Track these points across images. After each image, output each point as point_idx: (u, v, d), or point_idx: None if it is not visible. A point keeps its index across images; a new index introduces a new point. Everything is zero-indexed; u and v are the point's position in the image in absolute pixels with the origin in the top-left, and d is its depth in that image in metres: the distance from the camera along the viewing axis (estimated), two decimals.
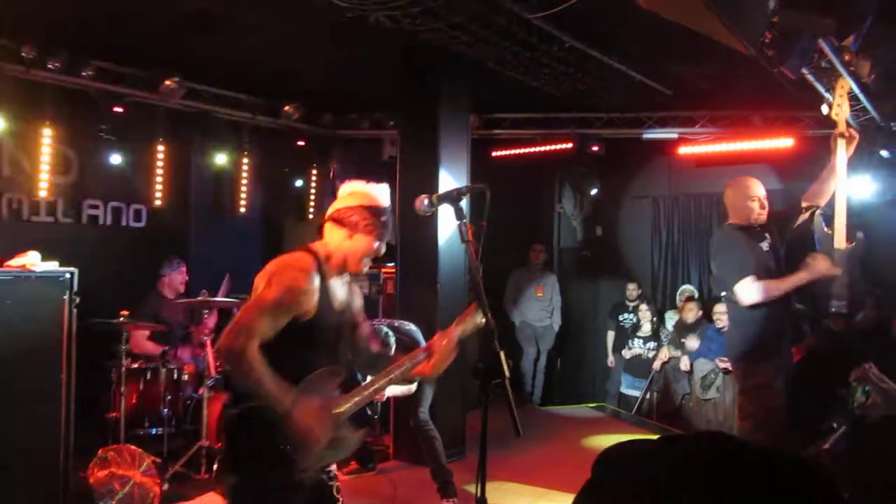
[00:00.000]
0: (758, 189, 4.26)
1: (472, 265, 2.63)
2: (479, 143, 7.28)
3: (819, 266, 4.02)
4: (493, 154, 8.29)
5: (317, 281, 2.61)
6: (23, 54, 5.66)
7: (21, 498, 4.28)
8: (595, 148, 7.82)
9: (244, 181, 7.71)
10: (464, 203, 2.67)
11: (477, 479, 2.42)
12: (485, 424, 2.46)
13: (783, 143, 7.18)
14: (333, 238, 2.71)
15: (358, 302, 2.95)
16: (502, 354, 2.41)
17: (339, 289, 2.78)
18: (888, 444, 4.77)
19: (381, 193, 2.78)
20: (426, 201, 2.60)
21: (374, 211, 2.71)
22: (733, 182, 4.40)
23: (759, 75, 5.98)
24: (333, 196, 2.90)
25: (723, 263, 4.25)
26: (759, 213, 4.20)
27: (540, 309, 8.42)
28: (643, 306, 8.22)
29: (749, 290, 3.97)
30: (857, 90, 5.87)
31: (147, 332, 5.97)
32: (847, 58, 5.39)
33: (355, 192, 2.78)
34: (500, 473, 5.36)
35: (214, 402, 5.39)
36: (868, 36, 4.77)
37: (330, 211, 2.76)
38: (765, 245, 4.18)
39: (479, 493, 2.43)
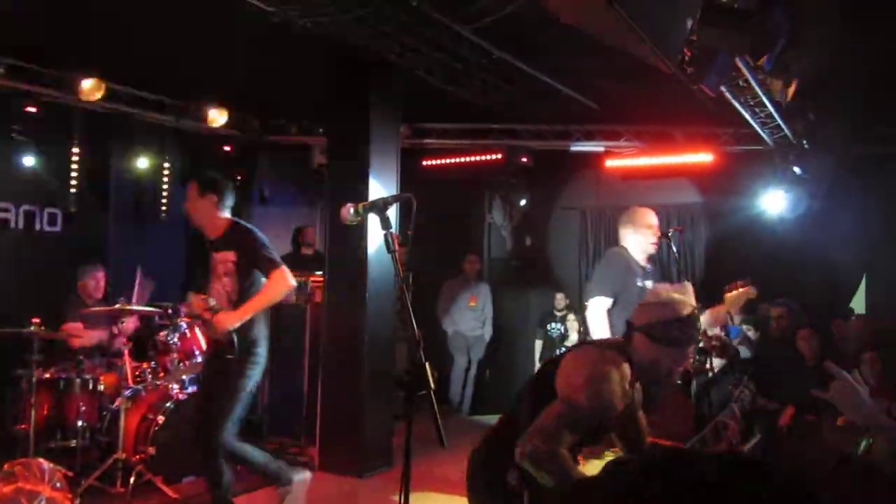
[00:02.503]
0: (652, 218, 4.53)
1: (396, 274, 2.61)
2: (409, 152, 7.27)
3: None
4: (424, 164, 8.31)
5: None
6: None
7: None
8: (524, 159, 7.94)
9: (165, 187, 7.49)
10: (391, 212, 2.66)
11: (401, 490, 2.40)
12: (409, 435, 2.45)
13: (703, 157, 7.43)
14: (643, 348, 2.63)
15: (638, 397, 2.84)
16: (427, 365, 2.40)
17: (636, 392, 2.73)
18: (801, 450, 4.99)
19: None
20: (352, 210, 2.58)
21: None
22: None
23: (679, 92, 6.19)
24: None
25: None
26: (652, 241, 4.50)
27: (472, 318, 8.46)
28: (571, 316, 8.36)
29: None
30: (771, 108, 6.13)
31: (80, 325, 5.75)
32: (761, 76, 5.64)
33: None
34: (426, 484, 5.34)
35: (132, 414, 5.21)
36: (781, 56, 5.00)
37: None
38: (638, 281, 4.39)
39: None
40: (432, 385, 2.40)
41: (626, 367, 2.57)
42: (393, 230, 2.56)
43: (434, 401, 2.41)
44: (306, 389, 6.47)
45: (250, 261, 4.21)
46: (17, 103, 6.02)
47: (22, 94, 6.06)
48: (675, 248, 4.95)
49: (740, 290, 4.46)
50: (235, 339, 4.13)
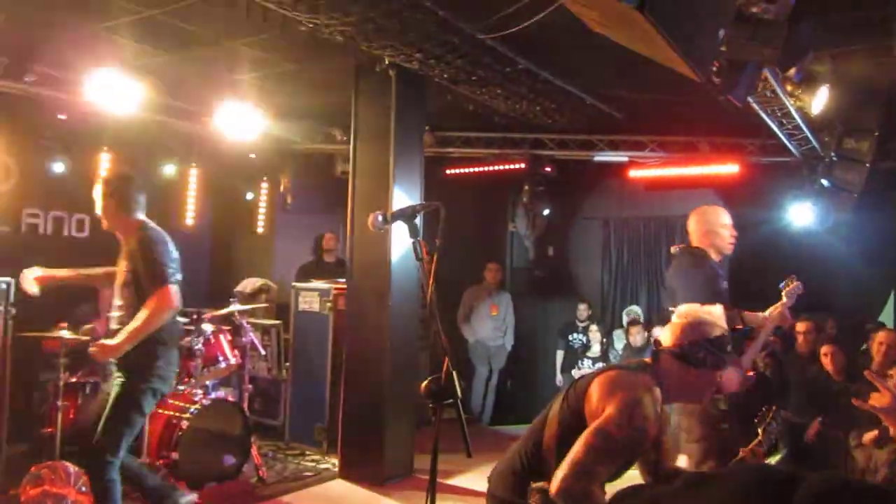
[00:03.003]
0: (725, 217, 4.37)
1: (425, 283, 2.60)
2: (432, 161, 7.29)
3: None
4: (447, 172, 8.32)
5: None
6: None
7: None
8: (547, 169, 7.92)
9: (192, 193, 7.56)
10: (418, 220, 2.66)
11: (427, 499, 2.39)
12: (436, 444, 2.44)
13: (729, 168, 7.37)
14: (672, 369, 2.60)
15: (664, 419, 2.82)
16: (455, 374, 2.40)
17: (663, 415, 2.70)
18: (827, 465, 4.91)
19: (720, 319, 2.67)
20: (380, 218, 2.58)
21: (719, 344, 2.61)
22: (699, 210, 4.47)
23: (705, 102, 6.15)
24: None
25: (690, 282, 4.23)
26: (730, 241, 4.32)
27: (494, 328, 8.44)
28: (593, 327, 8.31)
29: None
30: (798, 120, 6.08)
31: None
32: (789, 88, 5.60)
33: (696, 321, 2.65)
34: (448, 493, 5.32)
35: (157, 418, 5.24)
36: (809, 68, 4.96)
37: (668, 339, 2.63)
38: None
39: None
40: (460, 394, 2.39)
41: (658, 391, 2.52)
42: (420, 238, 2.56)
43: (461, 410, 2.40)
44: (328, 397, 6.49)
45: (141, 273, 3.87)
46: (47, 111, 6.10)
47: (53, 102, 6.14)
48: None
49: (792, 285, 4.43)
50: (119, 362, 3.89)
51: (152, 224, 4.10)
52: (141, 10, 4.96)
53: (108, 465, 3.85)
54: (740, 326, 4.40)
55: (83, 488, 4.53)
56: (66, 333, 5.06)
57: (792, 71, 4.61)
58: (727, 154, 7.50)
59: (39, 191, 6.67)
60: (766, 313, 4.40)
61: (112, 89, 5.72)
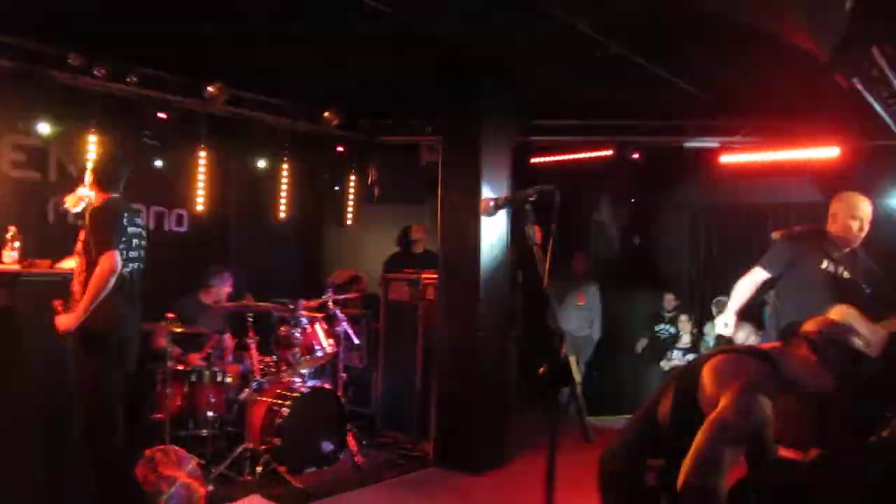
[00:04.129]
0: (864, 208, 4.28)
1: (540, 270, 2.58)
2: (517, 149, 7.23)
3: None
4: (532, 161, 8.25)
5: None
6: (69, 61, 5.76)
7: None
8: (635, 156, 7.76)
9: (284, 186, 7.74)
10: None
11: (546, 486, 2.39)
12: (553, 430, 2.42)
13: (829, 152, 7.06)
14: (802, 353, 2.55)
15: None
16: (572, 360, 2.38)
17: None
18: None
19: (878, 338, 2.59)
20: (492, 203, 2.58)
21: (858, 360, 2.53)
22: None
23: (804, 83, 5.91)
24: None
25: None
26: (857, 234, 4.26)
27: (580, 318, 8.34)
28: (682, 317, 8.13)
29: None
30: None
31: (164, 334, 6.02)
32: None
33: (848, 325, 2.57)
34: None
35: (258, 405, 5.41)
36: None
37: (810, 328, 2.58)
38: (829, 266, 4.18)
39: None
40: (578, 380, 2.37)
41: (772, 374, 2.45)
42: (534, 222, 2.55)
43: (579, 395, 2.39)
44: (419, 385, 6.56)
45: (88, 240, 4.08)
46: (149, 110, 6.34)
47: (153, 101, 6.39)
48: None
49: None
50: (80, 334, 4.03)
51: (118, 199, 4.33)
52: None
53: (102, 450, 4.12)
54: None
55: (192, 471, 4.73)
56: (167, 323, 5.27)
57: None
58: (826, 137, 7.18)
59: (141, 187, 6.93)
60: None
61: (209, 88, 5.92)
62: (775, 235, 4.91)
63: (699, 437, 2.34)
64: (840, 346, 2.51)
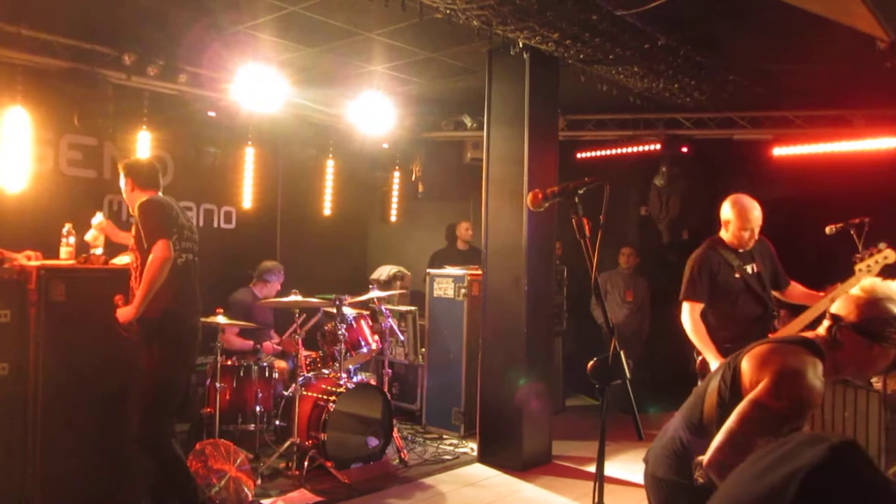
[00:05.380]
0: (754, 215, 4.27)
1: (589, 264, 2.54)
2: (562, 145, 7.15)
3: None
4: (578, 156, 8.17)
5: None
6: (124, 61, 5.89)
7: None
8: (684, 149, 7.62)
9: (329, 183, 7.80)
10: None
11: (595, 485, 2.34)
12: (603, 426, 2.38)
13: (887, 143, 6.83)
14: (850, 344, 2.44)
15: None
16: (622, 354, 2.33)
17: None
18: None
19: None
20: (541, 195, 2.55)
21: None
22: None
23: (859, 71, 5.72)
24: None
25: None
26: (748, 240, 4.28)
27: (629, 314, 8.23)
28: None
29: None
30: None
31: (237, 329, 6.10)
32: None
33: (881, 296, 2.44)
34: (590, 479, 5.23)
35: (305, 400, 5.45)
36: None
37: (850, 313, 2.45)
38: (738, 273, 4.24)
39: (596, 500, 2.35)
40: (628, 375, 2.32)
41: (819, 363, 2.36)
42: (582, 215, 2.50)
43: (631, 391, 2.34)
44: (464, 382, 6.55)
45: (140, 235, 4.12)
46: (198, 109, 6.45)
47: (202, 100, 6.50)
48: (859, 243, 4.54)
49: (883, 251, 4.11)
50: (141, 327, 4.09)
51: (158, 197, 4.36)
52: (285, 6, 5.14)
53: (159, 444, 4.14)
54: None
55: (242, 465, 4.79)
56: (222, 319, 5.34)
57: None
58: (885, 127, 6.94)
59: (192, 184, 7.07)
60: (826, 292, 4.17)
61: (256, 86, 5.99)
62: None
63: (733, 416, 2.27)
64: (890, 319, 2.40)
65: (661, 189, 8.25)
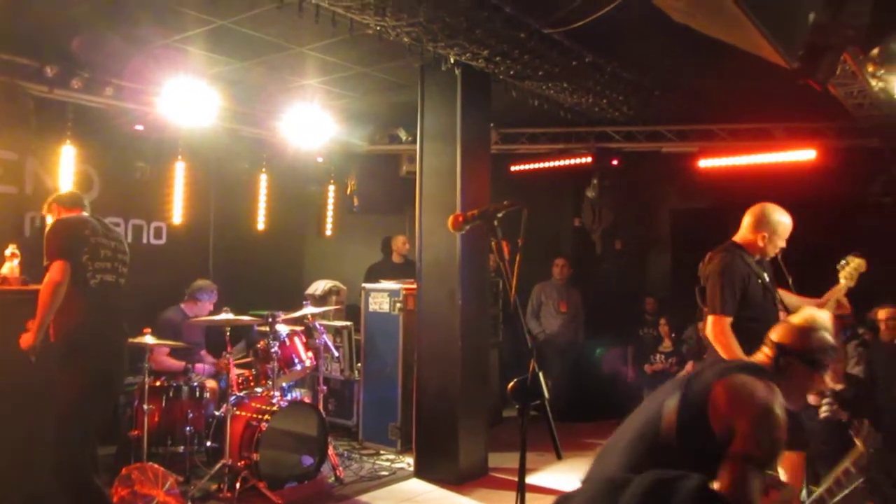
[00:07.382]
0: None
1: (506, 284, 2.57)
2: (496, 158, 7.25)
3: None
4: (512, 169, 8.27)
5: None
6: (46, 73, 5.72)
7: None
8: (614, 162, 7.80)
9: (262, 197, 7.70)
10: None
11: (517, 498, 2.37)
12: (524, 445, 2.41)
13: (805, 155, 7.12)
14: (792, 371, 2.53)
15: None
16: (542, 375, 2.37)
17: None
18: None
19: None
20: (461, 219, 2.57)
21: (834, 351, 2.56)
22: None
23: (779, 87, 5.94)
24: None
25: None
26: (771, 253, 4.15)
27: (563, 324, 8.35)
28: (663, 321, 8.15)
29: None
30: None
31: (167, 349, 5.96)
32: (871, 68, 5.36)
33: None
34: (529, 491, 5.27)
35: (237, 420, 5.36)
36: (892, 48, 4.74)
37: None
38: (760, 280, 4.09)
39: None
40: (546, 395, 2.36)
41: (780, 395, 2.41)
42: (502, 238, 2.54)
43: (549, 411, 2.37)
44: (400, 396, 6.53)
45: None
46: (125, 123, 6.31)
47: (129, 113, 6.35)
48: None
49: (854, 263, 4.20)
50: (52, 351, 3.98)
51: (77, 216, 4.32)
52: (214, 20, 5.07)
53: (70, 470, 3.99)
54: None
55: (170, 489, 4.67)
56: (150, 339, 5.21)
57: (875, 51, 4.43)
58: (803, 139, 7.24)
59: (119, 200, 6.89)
60: (823, 299, 4.20)
61: (186, 100, 5.90)
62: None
63: (726, 476, 2.29)
64: (829, 349, 2.50)
65: (593, 201, 8.42)
